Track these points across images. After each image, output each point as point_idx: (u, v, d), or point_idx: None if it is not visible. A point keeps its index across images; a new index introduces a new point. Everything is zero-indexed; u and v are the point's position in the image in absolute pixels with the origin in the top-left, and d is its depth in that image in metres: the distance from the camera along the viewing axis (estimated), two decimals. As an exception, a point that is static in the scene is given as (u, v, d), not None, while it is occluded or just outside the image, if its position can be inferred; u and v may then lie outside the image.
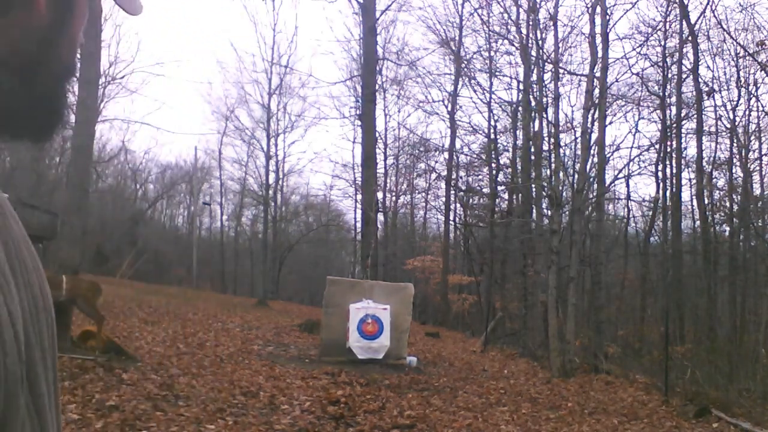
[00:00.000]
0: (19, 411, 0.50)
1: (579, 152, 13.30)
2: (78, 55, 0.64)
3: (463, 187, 25.54)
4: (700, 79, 17.33)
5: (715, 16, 17.73)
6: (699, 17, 17.71)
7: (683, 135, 19.15)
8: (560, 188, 12.70)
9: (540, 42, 15.75)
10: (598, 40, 11.87)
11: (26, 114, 0.58)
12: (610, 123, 18.61)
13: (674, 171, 19.21)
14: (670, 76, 18.83)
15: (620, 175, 19.14)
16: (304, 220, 37.04)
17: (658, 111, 19.27)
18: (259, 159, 30.83)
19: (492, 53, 22.08)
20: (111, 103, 29.44)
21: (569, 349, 10.66)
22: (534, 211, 17.86)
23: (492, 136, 23.15)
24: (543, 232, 15.14)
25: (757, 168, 17.96)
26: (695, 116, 17.71)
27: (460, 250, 28.05)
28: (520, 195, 20.04)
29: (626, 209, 22.77)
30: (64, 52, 0.60)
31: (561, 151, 16.12)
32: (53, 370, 0.58)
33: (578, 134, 14.77)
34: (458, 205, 26.76)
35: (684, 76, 18.10)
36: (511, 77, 21.93)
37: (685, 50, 17.70)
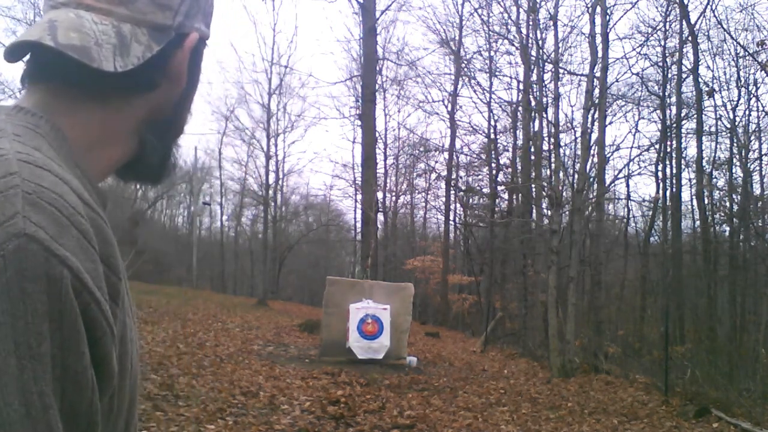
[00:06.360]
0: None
1: (579, 152, 13.29)
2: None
3: (463, 187, 25.54)
4: (700, 79, 17.34)
5: (715, 16, 17.76)
6: (699, 17, 17.77)
7: (683, 135, 19.17)
8: (560, 188, 12.69)
9: (540, 42, 15.76)
10: (598, 40, 11.86)
11: (156, 165, 0.74)
12: (610, 123, 18.67)
13: (674, 171, 19.22)
14: (670, 76, 18.85)
15: (620, 175, 19.20)
16: (304, 220, 37.05)
17: (658, 111, 19.29)
18: (259, 159, 30.79)
19: (492, 53, 22.13)
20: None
21: (569, 349, 10.66)
22: (534, 211, 17.85)
23: (492, 136, 23.16)
24: (543, 232, 15.13)
25: (757, 168, 17.96)
26: (695, 116, 17.72)
27: (460, 250, 28.05)
28: (520, 195, 20.02)
29: (626, 209, 22.79)
30: (185, 116, 0.77)
31: (561, 151, 16.13)
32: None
33: (578, 134, 14.77)
34: (458, 205, 26.78)
35: (684, 76, 18.11)
36: (511, 77, 21.99)
37: (685, 50, 17.70)
